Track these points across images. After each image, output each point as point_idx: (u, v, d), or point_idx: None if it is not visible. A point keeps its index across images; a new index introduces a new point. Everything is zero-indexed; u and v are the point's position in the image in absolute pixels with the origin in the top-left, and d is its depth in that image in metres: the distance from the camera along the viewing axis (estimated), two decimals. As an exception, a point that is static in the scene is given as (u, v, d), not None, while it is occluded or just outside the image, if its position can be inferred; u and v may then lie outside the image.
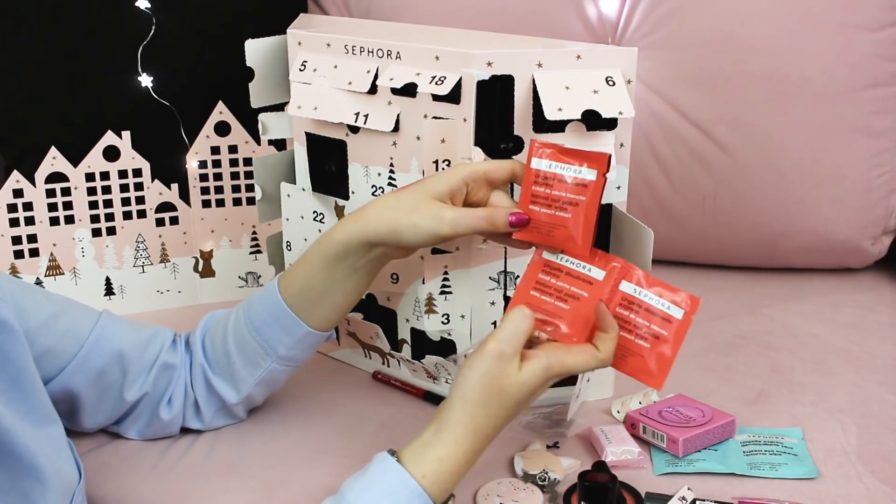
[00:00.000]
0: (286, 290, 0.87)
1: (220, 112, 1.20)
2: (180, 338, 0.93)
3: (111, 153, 1.18)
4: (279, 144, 1.21)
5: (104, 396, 0.87)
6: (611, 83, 0.87)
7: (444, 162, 0.88)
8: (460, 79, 0.86)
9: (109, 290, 1.22)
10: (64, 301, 0.85)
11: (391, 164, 0.94)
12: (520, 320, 0.74)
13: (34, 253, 1.18)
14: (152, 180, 1.20)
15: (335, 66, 0.95)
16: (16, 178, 1.14)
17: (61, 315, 0.83)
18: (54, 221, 1.17)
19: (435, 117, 0.88)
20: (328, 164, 1.00)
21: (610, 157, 0.77)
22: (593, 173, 0.77)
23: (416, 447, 0.73)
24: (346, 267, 0.84)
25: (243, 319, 0.89)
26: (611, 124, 0.88)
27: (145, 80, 1.17)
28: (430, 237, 0.80)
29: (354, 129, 0.95)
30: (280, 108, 1.05)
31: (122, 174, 1.19)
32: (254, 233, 1.25)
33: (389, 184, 0.94)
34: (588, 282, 0.79)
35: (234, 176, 1.23)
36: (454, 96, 0.86)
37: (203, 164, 1.21)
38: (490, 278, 0.92)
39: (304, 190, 1.03)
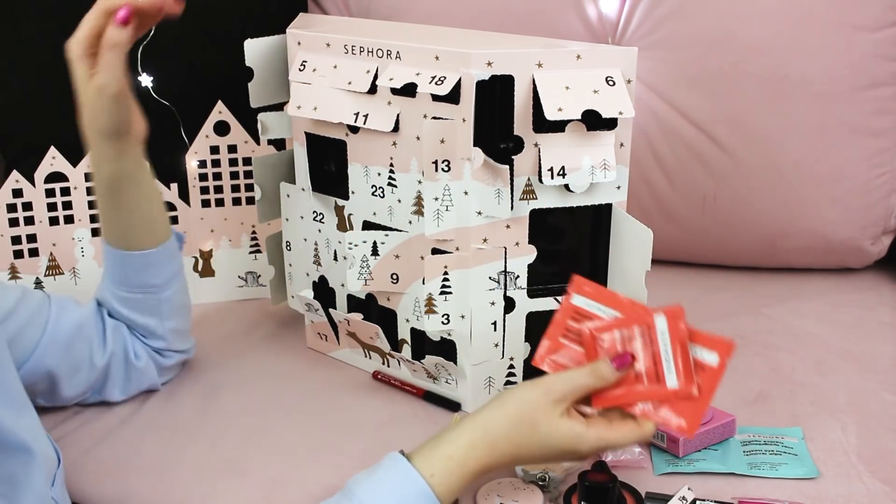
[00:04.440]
0: (115, 243, 0.93)
1: (220, 112, 1.20)
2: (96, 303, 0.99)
3: (111, 153, 1.18)
4: (279, 144, 1.21)
5: (78, 368, 0.93)
6: (611, 83, 0.87)
7: (443, 162, 0.88)
8: (460, 79, 0.86)
9: (109, 290, 1.22)
10: (19, 288, 0.91)
11: (391, 164, 0.94)
12: (593, 379, 0.75)
13: (34, 253, 1.17)
14: (152, 180, 1.20)
15: (335, 66, 0.95)
16: (15, 178, 1.14)
17: (22, 301, 0.89)
18: (54, 221, 1.17)
19: (434, 117, 0.88)
20: (328, 164, 1.00)
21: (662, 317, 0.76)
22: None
23: (427, 445, 0.74)
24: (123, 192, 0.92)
25: (112, 296, 0.96)
26: (611, 124, 0.88)
27: (145, 80, 1.17)
28: None
29: (354, 129, 0.95)
30: (280, 107, 1.05)
31: (122, 174, 1.19)
32: (253, 233, 1.25)
33: (389, 183, 0.94)
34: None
35: (234, 176, 1.23)
36: (454, 96, 0.86)
37: (202, 164, 1.21)
38: (490, 278, 0.92)
39: (303, 190, 1.02)
